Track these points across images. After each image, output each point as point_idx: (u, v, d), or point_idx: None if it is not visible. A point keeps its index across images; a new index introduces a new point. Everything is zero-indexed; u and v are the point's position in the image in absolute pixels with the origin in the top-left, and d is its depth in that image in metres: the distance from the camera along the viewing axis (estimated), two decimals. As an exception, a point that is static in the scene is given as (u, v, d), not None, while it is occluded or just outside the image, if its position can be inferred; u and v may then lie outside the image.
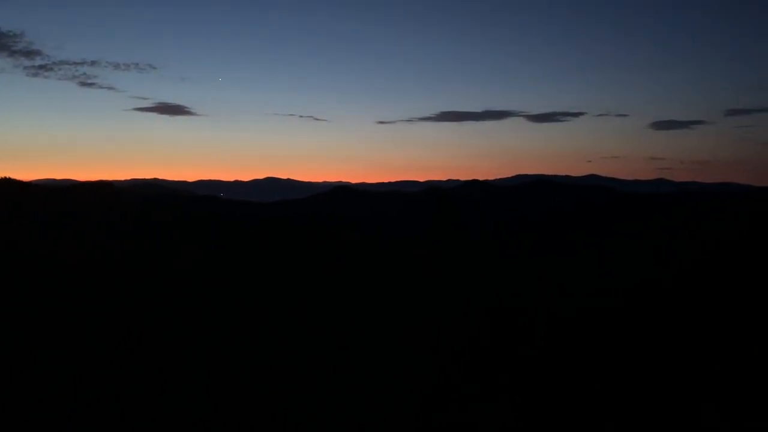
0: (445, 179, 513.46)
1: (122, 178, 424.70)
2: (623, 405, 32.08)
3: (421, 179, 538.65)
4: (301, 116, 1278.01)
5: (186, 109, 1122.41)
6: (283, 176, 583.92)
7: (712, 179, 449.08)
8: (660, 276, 75.80)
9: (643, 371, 37.64)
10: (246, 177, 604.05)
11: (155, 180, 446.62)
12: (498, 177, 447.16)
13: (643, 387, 35.01)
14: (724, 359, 38.81)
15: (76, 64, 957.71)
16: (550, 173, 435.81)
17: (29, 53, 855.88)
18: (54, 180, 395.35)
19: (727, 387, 32.87)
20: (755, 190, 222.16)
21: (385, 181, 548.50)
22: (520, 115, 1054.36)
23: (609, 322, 49.56)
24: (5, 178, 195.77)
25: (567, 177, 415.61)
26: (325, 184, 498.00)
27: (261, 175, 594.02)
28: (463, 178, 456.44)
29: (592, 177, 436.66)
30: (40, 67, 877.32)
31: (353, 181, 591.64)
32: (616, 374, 37.56)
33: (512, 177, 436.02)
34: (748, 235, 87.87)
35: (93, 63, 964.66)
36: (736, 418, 29.65)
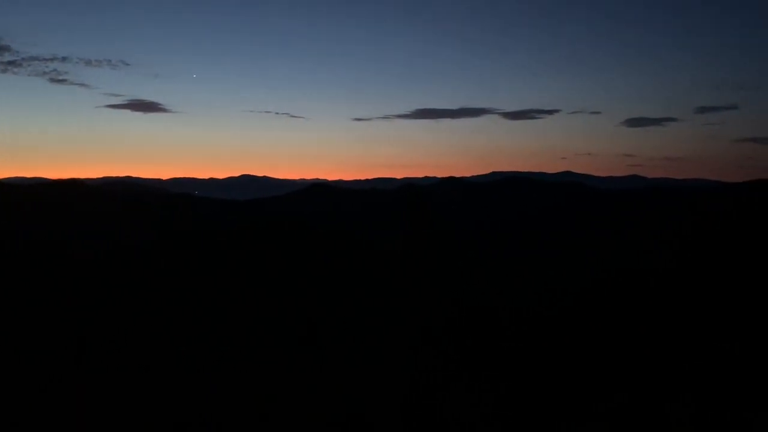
0: (421, 176, 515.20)
1: (94, 177, 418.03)
2: (598, 395, 32.62)
3: (398, 176, 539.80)
4: (277, 113, 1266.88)
5: (160, 106, 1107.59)
6: (260, 174, 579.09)
7: (684, 175, 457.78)
8: (634, 272, 77.00)
9: (615, 363, 38.28)
10: (221, 174, 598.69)
11: (128, 178, 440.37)
12: (474, 174, 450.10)
13: (614, 378, 35.64)
14: (697, 352, 39.70)
15: (46, 60, 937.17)
16: (525, 170, 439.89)
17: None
18: (24, 178, 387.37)
19: (695, 381, 33.67)
20: (724, 186, 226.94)
21: (362, 178, 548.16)
22: (496, 113, 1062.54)
23: (582, 318, 50.25)
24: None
25: (542, 174, 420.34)
26: (301, 182, 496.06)
27: (237, 173, 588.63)
28: (439, 175, 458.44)
29: (567, 174, 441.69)
30: (9, 63, 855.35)
31: (330, 178, 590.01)
32: (591, 366, 38.16)
33: (488, 174, 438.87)
34: (719, 230, 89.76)
35: (64, 59, 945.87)
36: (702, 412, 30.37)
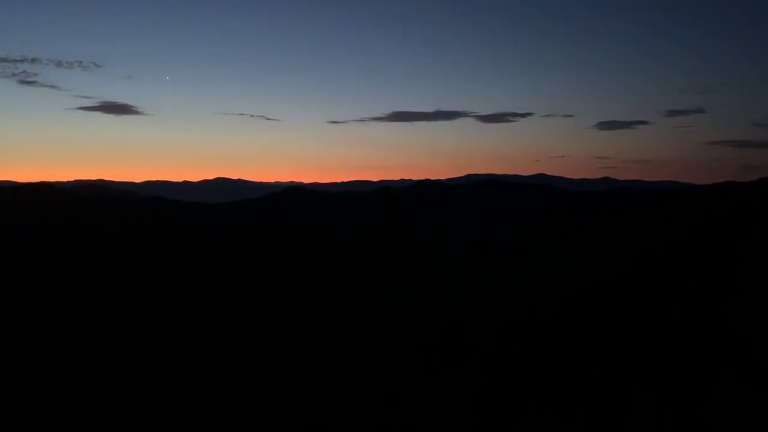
0: (397, 179, 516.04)
1: (65, 180, 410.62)
2: (574, 396, 32.99)
3: (374, 179, 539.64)
4: (252, 115, 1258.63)
5: (132, 108, 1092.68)
6: (234, 176, 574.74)
7: (654, 177, 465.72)
8: (605, 274, 77.93)
9: (588, 365, 38.77)
10: (195, 177, 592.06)
11: (100, 181, 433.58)
12: (449, 177, 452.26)
13: (589, 380, 36.09)
14: (660, 354, 40.39)
15: (15, 61, 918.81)
16: (500, 173, 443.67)
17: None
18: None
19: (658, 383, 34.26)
20: (694, 188, 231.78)
21: (338, 181, 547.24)
22: (471, 116, 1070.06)
23: (555, 319, 50.83)
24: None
25: (516, 176, 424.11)
26: (277, 185, 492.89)
27: (210, 176, 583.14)
28: (415, 177, 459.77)
29: (541, 176, 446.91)
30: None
31: (306, 181, 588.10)
32: (565, 368, 38.58)
33: (463, 176, 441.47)
34: (690, 231, 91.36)
35: (33, 60, 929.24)
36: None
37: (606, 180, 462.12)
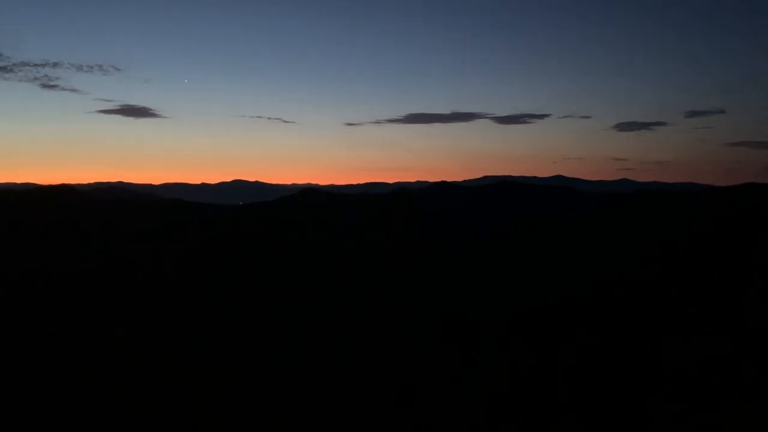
0: (414, 180, 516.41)
1: (85, 182, 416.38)
2: (583, 400, 32.92)
3: (390, 181, 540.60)
4: (269, 118, 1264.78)
5: (151, 111, 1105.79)
6: (251, 179, 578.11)
7: (673, 179, 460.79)
8: (626, 275, 77.36)
9: (604, 366, 38.61)
10: (213, 180, 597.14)
11: (120, 183, 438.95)
12: (466, 178, 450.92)
13: (601, 382, 35.97)
14: (687, 353, 40.10)
15: (37, 65, 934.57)
16: (516, 174, 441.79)
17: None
18: (14, 184, 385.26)
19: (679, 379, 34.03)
20: (714, 190, 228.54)
21: (354, 182, 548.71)
22: (487, 117, 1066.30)
23: (572, 320, 50.61)
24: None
25: (533, 178, 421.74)
26: (293, 186, 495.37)
27: (228, 178, 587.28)
28: (431, 179, 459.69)
29: (558, 178, 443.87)
30: (0, 68, 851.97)
31: (322, 183, 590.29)
32: (582, 369, 38.46)
33: (480, 178, 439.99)
34: (709, 233, 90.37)
35: (55, 64, 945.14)
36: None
37: (624, 182, 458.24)
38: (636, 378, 34.62)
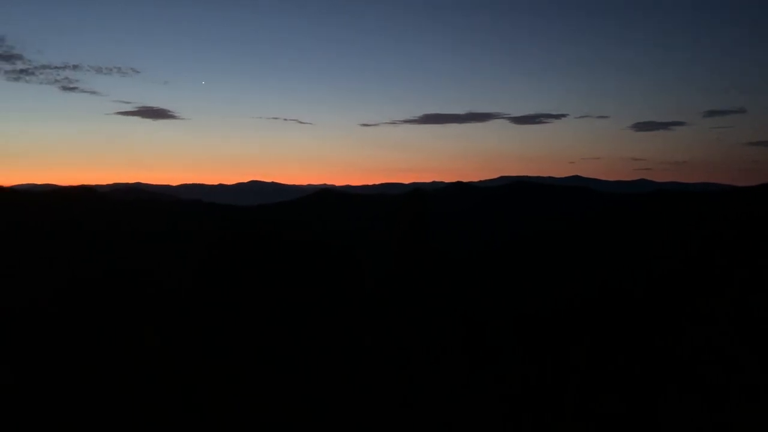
0: (429, 181, 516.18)
1: (104, 183, 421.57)
2: (593, 401, 32.80)
3: (406, 181, 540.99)
4: (285, 119, 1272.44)
5: (169, 113, 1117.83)
6: (268, 179, 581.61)
7: (692, 179, 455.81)
8: (645, 275, 76.71)
9: (620, 370, 38.44)
10: (230, 180, 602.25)
11: (138, 184, 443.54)
12: (481, 179, 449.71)
13: (618, 384, 35.81)
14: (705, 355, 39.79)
15: (57, 68, 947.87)
16: (533, 174, 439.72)
17: (10, 57, 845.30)
18: (35, 185, 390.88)
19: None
20: (734, 190, 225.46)
21: (370, 183, 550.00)
22: (503, 118, 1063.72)
23: (590, 323, 50.36)
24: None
25: (550, 178, 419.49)
26: (309, 187, 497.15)
27: (245, 179, 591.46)
28: (447, 180, 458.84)
29: (575, 178, 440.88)
30: (22, 71, 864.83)
31: (337, 183, 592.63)
32: (595, 371, 38.31)
33: (496, 178, 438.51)
34: (729, 234, 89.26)
35: (75, 67, 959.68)
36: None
37: (642, 182, 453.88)
38: (647, 379, 34.44)
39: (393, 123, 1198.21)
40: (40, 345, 44.22)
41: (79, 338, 45.27)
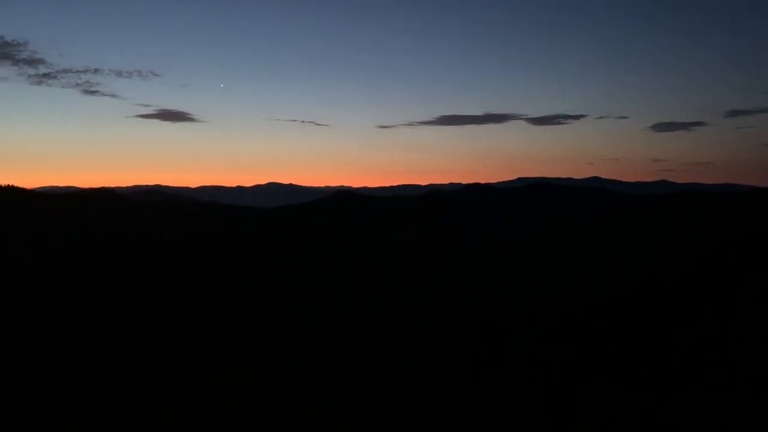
0: (446, 182, 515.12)
1: (125, 185, 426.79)
2: (602, 402, 32.34)
3: (423, 183, 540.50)
4: (302, 121, 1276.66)
5: (188, 116, 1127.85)
6: (285, 181, 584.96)
7: (714, 180, 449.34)
8: (666, 278, 75.61)
9: (638, 372, 37.89)
10: (248, 182, 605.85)
11: (158, 186, 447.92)
12: (499, 180, 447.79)
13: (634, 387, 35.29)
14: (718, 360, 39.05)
15: (79, 71, 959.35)
16: (552, 176, 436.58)
17: (33, 62, 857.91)
18: (57, 187, 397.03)
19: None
20: (757, 191, 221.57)
21: (387, 185, 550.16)
22: (521, 119, 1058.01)
23: (610, 325, 49.73)
24: (8, 185, 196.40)
25: (569, 179, 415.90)
26: (326, 189, 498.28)
27: (263, 180, 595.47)
28: (464, 181, 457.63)
29: (594, 179, 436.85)
30: (44, 75, 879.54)
31: (355, 185, 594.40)
32: (611, 374, 37.79)
33: (514, 180, 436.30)
34: (752, 235, 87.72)
35: (96, 71, 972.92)
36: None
37: (663, 183, 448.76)
38: (657, 379, 33.89)
39: (410, 124, 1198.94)
40: (56, 347, 44.71)
41: (92, 339, 45.71)
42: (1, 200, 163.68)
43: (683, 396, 31.16)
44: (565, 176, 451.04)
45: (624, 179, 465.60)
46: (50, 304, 57.62)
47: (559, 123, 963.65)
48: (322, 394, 34.52)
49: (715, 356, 36.36)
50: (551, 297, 63.82)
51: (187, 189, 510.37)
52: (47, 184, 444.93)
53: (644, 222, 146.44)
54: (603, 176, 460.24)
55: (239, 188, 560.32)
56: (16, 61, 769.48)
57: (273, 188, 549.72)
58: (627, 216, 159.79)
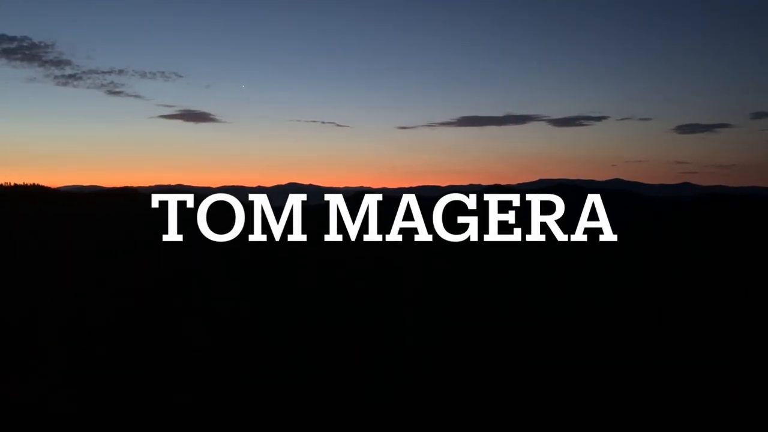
0: (466, 184, 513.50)
1: (147, 185, 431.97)
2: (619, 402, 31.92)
3: (443, 184, 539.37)
4: (323, 122, 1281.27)
5: (210, 116, 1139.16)
6: (306, 182, 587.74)
7: (738, 183, 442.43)
8: (687, 280, 74.41)
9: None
10: (269, 183, 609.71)
11: (180, 186, 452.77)
12: (521, 182, 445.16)
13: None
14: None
15: (104, 73, 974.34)
16: (573, 177, 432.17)
17: (59, 63, 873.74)
18: (81, 186, 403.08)
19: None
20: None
21: (407, 186, 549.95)
22: (543, 120, 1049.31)
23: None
24: (34, 184, 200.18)
25: (591, 181, 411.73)
26: (346, 190, 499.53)
27: (283, 181, 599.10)
28: (484, 182, 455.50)
29: (617, 181, 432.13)
30: (70, 76, 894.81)
31: (374, 186, 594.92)
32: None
33: (536, 181, 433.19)
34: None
35: (120, 72, 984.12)
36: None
37: (686, 185, 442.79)
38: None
39: (430, 126, 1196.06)
40: (81, 345, 45.21)
41: (101, 338, 46.24)
42: (28, 200, 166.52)
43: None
44: (587, 178, 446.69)
45: (647, 182, 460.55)
46: (71, 301, 58.31)
47: (581, 124, 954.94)
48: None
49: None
50: (577, 299, 63.14)
51: (208, 189, 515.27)
52: (72, 184, 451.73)
53: (672, 224, 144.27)
54: (626, 178, 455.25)
55: (259, 188, 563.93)
56: (43, 63, 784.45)
57: (293, 189, 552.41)
58: (654, 218, 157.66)
